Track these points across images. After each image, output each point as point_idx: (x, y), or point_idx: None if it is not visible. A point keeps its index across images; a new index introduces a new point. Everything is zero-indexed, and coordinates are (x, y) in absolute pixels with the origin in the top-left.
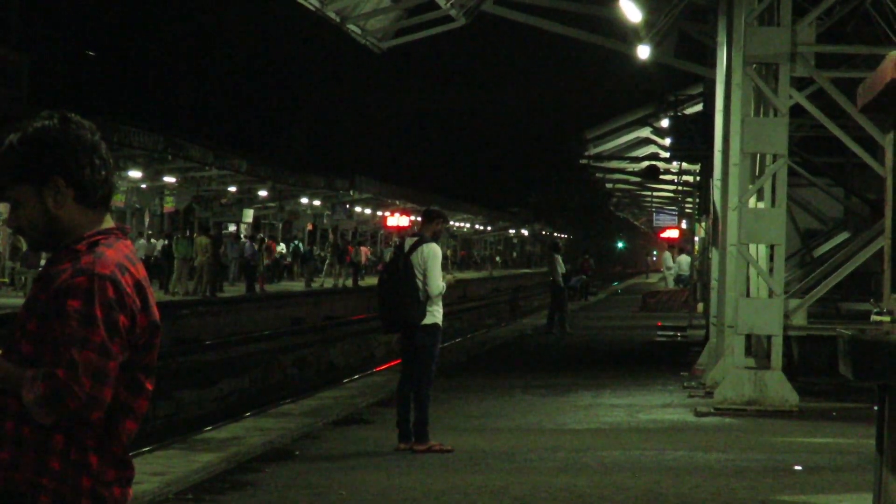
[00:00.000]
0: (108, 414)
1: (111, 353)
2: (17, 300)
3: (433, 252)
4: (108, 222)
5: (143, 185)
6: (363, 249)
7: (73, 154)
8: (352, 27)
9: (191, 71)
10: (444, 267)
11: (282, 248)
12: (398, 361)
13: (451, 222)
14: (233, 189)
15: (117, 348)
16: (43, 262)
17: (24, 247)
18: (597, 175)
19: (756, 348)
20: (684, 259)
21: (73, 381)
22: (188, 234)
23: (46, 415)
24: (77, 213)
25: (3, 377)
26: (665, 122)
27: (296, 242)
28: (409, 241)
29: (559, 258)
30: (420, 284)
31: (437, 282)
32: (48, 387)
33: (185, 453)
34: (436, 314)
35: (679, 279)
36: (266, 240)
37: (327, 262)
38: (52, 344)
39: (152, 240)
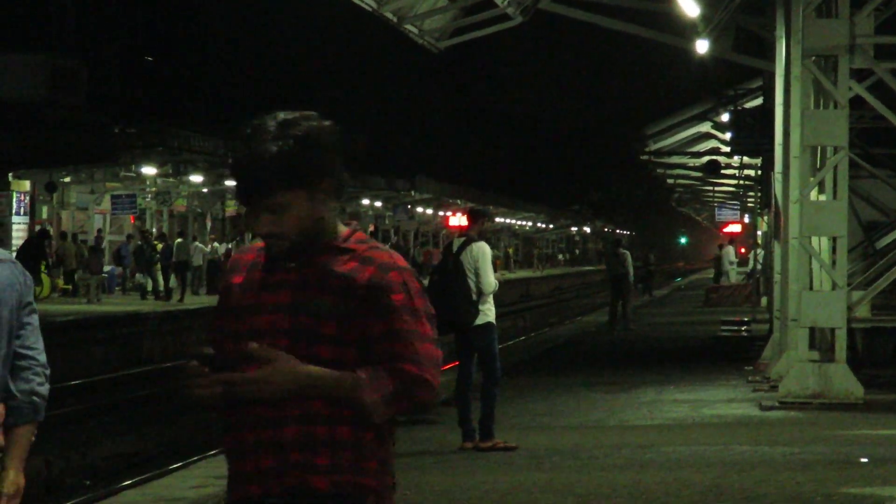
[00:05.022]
0: None
1: (437, 342)
2: (80, 307)
3: (483, 250)
4: None
5: (205, 189)
6: (434, 252)
7: (339, 153)
8: (409, 27)
9: (249, 74)
10: (507, 266)
11: None
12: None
13: (513, 221)
14: None
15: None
16: (108, 268)
17: (85, 253)
18: (657, 171)
19: (820, 341)
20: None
21: (426, 374)
22: (250, 237)
23: (390, 412)
24: (333, 212)
25: (322, 384)
26: (725, 117)
27: None
28: (456, 242)
29: (629, 254)
30: (472, 284)
31: (490, 279)
32: (399, 383)
33: None
34: (488, 313)
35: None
36: None
37: None
38: (374, 342)
39: (215, 243)
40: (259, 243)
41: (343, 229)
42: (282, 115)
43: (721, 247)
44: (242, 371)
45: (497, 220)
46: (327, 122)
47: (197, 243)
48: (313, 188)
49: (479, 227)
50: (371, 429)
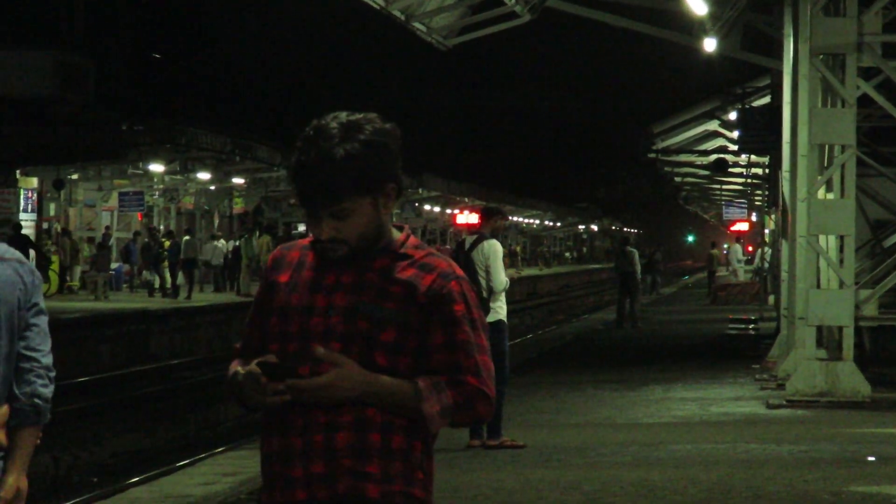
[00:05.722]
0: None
1: (490, 353)
2: (87, 304)
3: (494, 248)
4: None
5: (212, 187)
6: (443, 250)
7: (401, 157)
8: (417, 25)
9: (256, 72)
10: (514, 263)
11: None
12: None
13: (520, 219)
14: None
15: None
16: (115, 265)
17: (86, 252)
18: (665, 169)
19: (827, 339)
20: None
21: (486, 387)
22: (257, 234)
23: (447, 423)
24: (390, 216)
25: (384, 391)
26: (733, 115)
27: None
28: (469, 239)
29: (636, 252)
30: (482, 282)
31: (501, 277)
32: (461, 395)
33: (256, 454)
34: (500, 311)
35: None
36: None
37: None
38: (433, 351)
39: (222, 241)
40: (303, 241)
41: (398, 234)
42: (344, 116)
43: (713, 245)
44: (297, 373)
45: None
46: (389, 125)
47: (215, 242)
48: (378, 193)
49: (492, 226)
50: (420, 439)
